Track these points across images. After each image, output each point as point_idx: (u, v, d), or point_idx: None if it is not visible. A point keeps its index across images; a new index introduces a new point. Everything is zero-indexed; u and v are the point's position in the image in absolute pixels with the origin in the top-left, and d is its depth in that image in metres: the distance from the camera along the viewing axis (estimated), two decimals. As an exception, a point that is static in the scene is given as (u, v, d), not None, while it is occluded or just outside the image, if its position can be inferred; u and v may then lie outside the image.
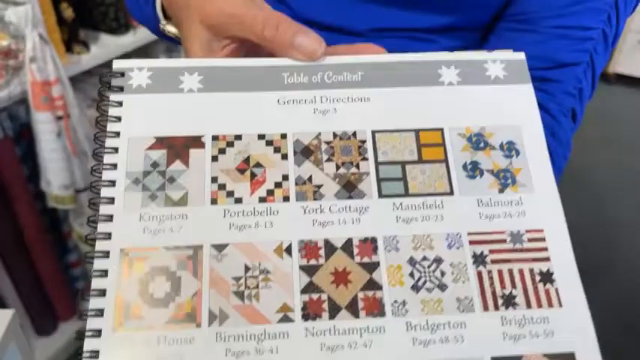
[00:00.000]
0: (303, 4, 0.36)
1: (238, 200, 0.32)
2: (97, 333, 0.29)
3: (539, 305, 0.30)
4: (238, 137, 0.34)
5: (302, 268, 0.31)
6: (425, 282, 0.31)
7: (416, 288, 0.31)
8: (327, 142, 0.34)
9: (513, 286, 0.31)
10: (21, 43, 1.07)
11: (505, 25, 0.44)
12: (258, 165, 0.33)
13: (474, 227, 0.32)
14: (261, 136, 0.34)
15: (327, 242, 0.31)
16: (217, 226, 0.32)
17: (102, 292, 0.30)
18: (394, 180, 0.33)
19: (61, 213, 1.35)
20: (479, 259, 0.31)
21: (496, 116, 0.36)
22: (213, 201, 0.32)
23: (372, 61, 0.37)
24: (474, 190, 0.33)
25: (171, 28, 0.43)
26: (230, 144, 0.34)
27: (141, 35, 1.42)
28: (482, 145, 0.35)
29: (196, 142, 0.34)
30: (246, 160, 0.34)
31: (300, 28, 0.36)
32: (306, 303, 0.30)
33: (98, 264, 0.30)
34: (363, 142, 0.34)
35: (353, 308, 0.30)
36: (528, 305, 0.30)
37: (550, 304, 0.30)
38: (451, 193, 0.33)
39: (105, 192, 0.32)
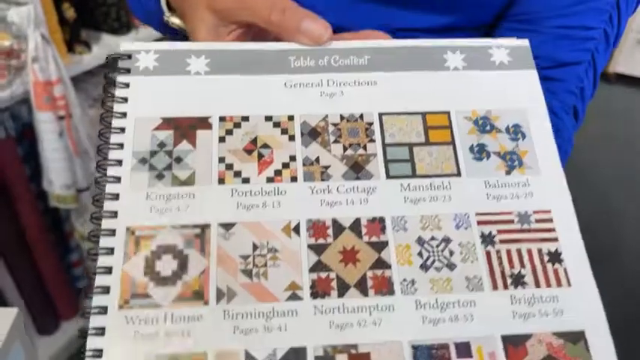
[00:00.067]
0: (304, 4, 0.35)
1: (246, 180, 0.31)
2: (103, 310, 0.28)
3: (548, 285, 0.30)
4: (245, 119, 0.33)
5: (310, 247, 0.30)
6: (434, 261, 0.30)
7: (425, 267, 0.30)
8: (334, 124, 0.34)
9: (522, 265, 0.30)
10: (23, 43, 1.06)
11: (507, 25, 0.43)
12: (265, 146, 0.33)
13: (481, 208, 0.31)
14: (268, 118, 0.33)
15: (335, 222, 0.31)
16: (225, 205, 0.31)
17: (108, 270, 0.29)
18: (401, 161, 0.33)
19: (62, 212, 1.33)
20: (487, 239, 0.31)
21: (501, 100, 0.35)
22: (221, 181, 0.31)
23: (378, 45, 0.36)
24: (481, 172, 0.33)
25: (175, 20, 0.42)
26: (237, 125, 0.33)
27: (142, 35, 1.40)
28: (488, 128, 0.34)
29: (203, 123, 0.33)
30: (254, 141, 0.33)
31: (307, 13, 0.35)
32: (315, 281, 0.29)
33: (104, 242, 0.29)
34: (370, 124, 0.34)
35: (362, 287, 0.29)
36: (537, 285, 0.29)
37: (559, 284, 0.30)
38: (458, 174, 0.32)
39: (111, 171, 0.31)
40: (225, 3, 0.36)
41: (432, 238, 0.30)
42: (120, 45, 0.36)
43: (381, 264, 0.30)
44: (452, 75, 0.35)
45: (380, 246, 0.30)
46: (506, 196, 0.32)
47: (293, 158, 0.32)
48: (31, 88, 1.09)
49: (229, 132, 0.33)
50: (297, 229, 0.30)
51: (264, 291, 0.29)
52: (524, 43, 0.37)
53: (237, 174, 0.32)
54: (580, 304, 0.29)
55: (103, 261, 0.29)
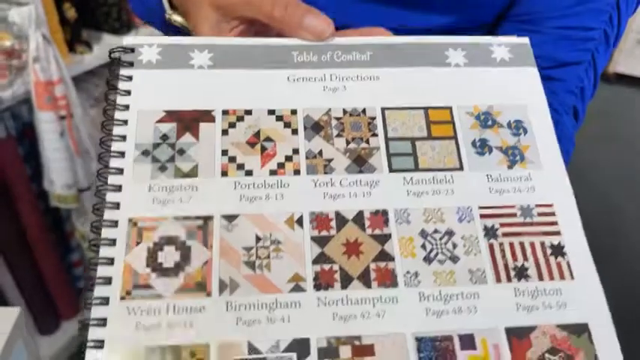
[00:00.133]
0: (306, 3, 0.35)
1: (249, 173, 0.31)
2: (105, 301, 0.27)
3: (552, 277, 0.29)
4: (248, 112, 0.33)
5: (313, 239, 0.29)
6: (437, 254, 0.29)
7: (428, 259, 0.29)
8: (337, 118, 0.33)
9: (525, 258, 0.29)
10: (24, 43, 1.04)
11: (508, 26, 0.43)
12: (268, 139, 0.32)
13: (484, 201, 0.31)
14: (271, 112, 0.33)
15: (338, 214, 0.30)
16: (228, 197, 0.30)
17: (110, 261, 0.28)
18: (404, 155, 0.32)
19: (63, 212, 1.32)
20: (490, 232, 0.30)
21: (503, 96, 0.34)
22: (224, 173, 0.31)
23: (380, 42, 0.36)
24: (484, 166, 0.32)
25: (177, 18, 0.42)
26: (240, 118, 0.33)
27: (143, 35, 1.37)
28: (490, 123, 0.34)
29: (206, 116, 0.32)
30: (257, 135, 0.32)
31: (309, 8, 0.35)
32: (318, 273, 0.28)
33: (106, 233, 0.28)
34: (373, 118, 0.33)
35: (365, 279, 0.28)
36: (540, 277, 0.29)
37: (562, 277, 0.29)
38: (461, 168, 0.32)
39: (114, 163, 0.31)
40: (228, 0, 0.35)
41: (435, 231, 0.30)
42: (123, 39, 0.35)
43: (384, 256, 0.29)
44: (453, 71, 0.35)
45: (383, 238, 0.29)
46: (508, 190, 0.31)
47: (296, 151, 0.32)
48: (33, 88, 1.08)
49: (232, 125, 0.32)
50: (300, 222, 0.30)
51: (267, 282, 0.28)
52: (525, 40, 0.36)
53: (240, 166, 0.31)
54: (583, 297, 0.29)
55: (104, 252, 0.28)
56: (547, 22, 0.41)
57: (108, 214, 0.29)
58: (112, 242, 0.28)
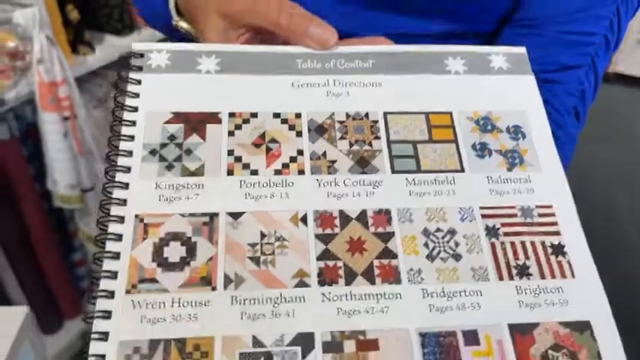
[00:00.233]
0: (310, 11, 0.35)
1: (254, 172, 0.31)
2: (110, 294, 0.26)
3: (553, 276, 0.29)
4: (254, 115, 0.33)
5: (317, 236, 0.29)
6: (439, 252, 0.29)
7: (431, 257, 0.29)
8: (341, 122, 0.33)
9: (526, 257, 0.29)
10: (28, 45, 1.04)
11: (511, 30, 0.43)
12: (273, 140, 0.32)
13: (485, 202, 0.31)
14: (276, 115, 0.33)
15: (341, 213, 0.30)
16: (233, 195, 0.30)
17: (116, 255, 0.27)
18: (406, 157, 0.32)
19: (66, 212, 1.30)
20: (491, 232, 0.30)
21: (501, 102, 0.35)
22: (230, 172, 0.31)
23: (382, 50, 0.36)
24: (484, 168, 0.32)
25: (183, 24, 0.42)
26: (246, 121, 0.33)
27: (145, 36, 1.37)
28: (489, 127, 0.34)
29: (213, 117, 0.33)
30: (262, 136, 0.32)
31: (314, 18, 0.35)
32: (322, 269, 0.28)
33: (113, 228, 0.28)
34: (375, 122, 0.33)
35: (369, 275, 0.28)
36: (542, 276, 0.29)
37: (563, 275, 0.29)
38: (462, 170, 0.32)
39: (121, 161, 0.31)
40: (235, 7, 0.36)
41: (438, 230, 0.30)
42: (132, 44, 0.35)
43: (387, 253, 0.29)
44: (453, 78, 0.35)
45: (386, 236, 0.29)
46: (508, 192, 0.31)
47: (300, 152, 0.32)
48: (37, 89, 1.07)
49: (238, 127, 0.32)
50: (304, 219, 0.29)
51: (271, 277, 0.28)
52: (522, 50, 0.37)
53: (246, 166, 0.31)
54: (584, 295, 0.28)
55: (111, 246, 0.28)
56: (549, 27, 0.42)
57: (115, 210, 0.29)
58: (119, 237, 0.28)
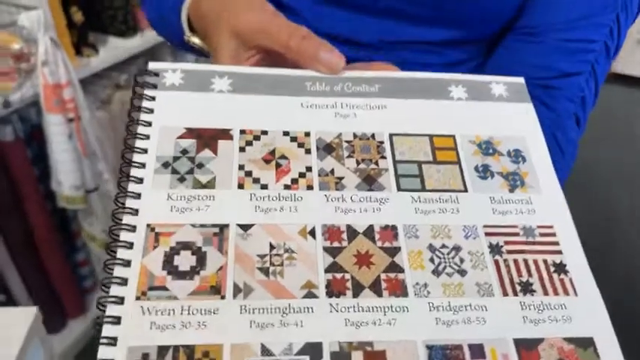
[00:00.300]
0: (319, 18, 0.36)
1: (264, 186, 0.31)
2: (120, 300, 0.26)
3: (556, 293, 0.29)
4: (264, 132, 0.34)
5: (325, 249, 0.29)
6: (445, 267, 0.29)
7: (437, 272, 0.29)
8: (348, 142, 0.34)
9: (529, 274, 0.30)
10: (33, 47, 1.04)
11: (513, 37, 0.44)
12: (283, 157, 0.33)
13: (488, 221, 0.31)
14: (285, 133, 0.34)
15: (349, 227, 0.30)
16: (243, 208, 0.30)
17: (127, 263, 0.28)
18: (411, 176, 0.33)
19: (69, 212, 1.29)
20: (495, 249, 0.30)
21: (502, 128, 0.36)
22: (240, 186, 0.31)
23: (387, 76, 0.37)
24: (487, 189, 0.33)
25: (195, 40, 0.43)
26: (257, 137, 0.33)
27: (148, 38, 1.38)
28: (491, 151, 0.35)
29: (225, 134, 0.33)
30: (272, 152, 0.33)
31: (323, 43, 0.36)
32: (330, 281, 0.28)
33: (124, 236, 0.28)
34: (381, 142, 0.34)
35: (376, 288, 0.28)
36: (545, 293, 0.29)
37: (566, 293, 0.29)
38: (465, 190, 0.33)
39: (134, 172, 0.31)
40: (246, 28, 0.37)
41: (443, 246, 0.30)
42: (149, 64, 0.36)
43: (394, 267, 0.29)
44: (456, 104, 0.37)
45: (393, 251, 0.30)
46: (510, 211, 0.32)
47: (309, 169, 0.32)
48: (41, 90, 1.07)
49: (249, 143, 0.33)
50: (312, 233, 0.30)
51: (280, 288, 0.28)
52: (520, 80, 0.38)
53: (256, 180, 0.32)
54: (587, 312, 0.29)
55: (122, 254, 0.28)
56: (550, 35, 0.43)
57: (127, 219, 0.29)
58: (130, 245, 0.28)
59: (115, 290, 0.27)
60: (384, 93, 0.36)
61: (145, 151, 0.32)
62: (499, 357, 0.27)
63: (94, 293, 1.48)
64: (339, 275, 0.28)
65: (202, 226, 0.29)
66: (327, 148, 0.34)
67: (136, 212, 0.29)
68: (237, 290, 0.27)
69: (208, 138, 0.33)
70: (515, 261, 0.30)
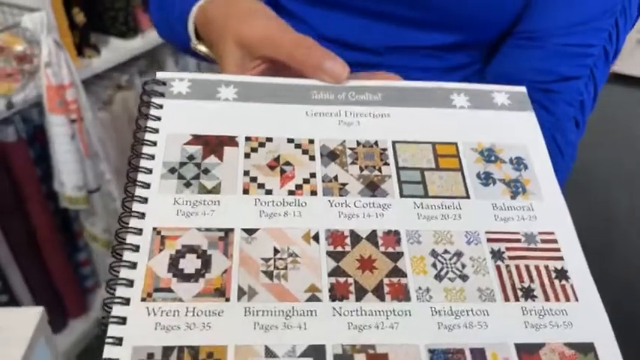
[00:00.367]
0: (324, 24, 0.37)
1: (269, 192, 0.32)
2: (126, 301, 0.27)
3: (557, 299, 0.29)
4: (269, 139, 0.34)
5: (329, 253, 0.30)
6: (447, 272, 0.30)
7: (439, 277, 0.29)
8: (351, 149, 0.34)
9: (531, 280, 0.30)
10: (36, 48, 1.04)
11: (513, 42, 0.45)
12: (287, 163, 0.33)
13: (490, 227, 0.32)
14: (290, 140, 0.34)
15: (352, 232, 0.31)
16: (248, 212, 0.31)
17: (133, 265, 0.28)
18: (414, 183, 0.33)
19: (71, 213, 1.30)
20: (497, 255, 0.31)
21: (504, 136, 0.36)
22: (245, 191, 0.32)
23: (390, 85, 0.38)
24: (489, 196, 0.33)
25: (202, 48, 0.44)
26: (262, 144, 0.34)
27: (149, 39, 1.39)
28: (493, 158, 0.35)
29: (230, 141, 0.34)
30: (277, 159, 0.33)
31: (328, 52, 0.37)
32: (334, 285, 0.28)
33: (130, 239, 0.29)
34: (385, 150, 0.35)
35: (379, 292, 0.28)
36: (546, 298, 0.29)
37: (567, 299, 0.29)
38: (467, 197, 0.33)
39: (141, 177, 0.31)
40: (252, 38, 0.38)
41: (445, 252, 0.30)
42: (157, 73, 0.37)
43: (397, 272, 0.29)
44: (458, 112, 0.37)
45: (396, 256, 0.30)
46: (512, 218, 0.32)
47: (313, 175, 0.33)
48: (44, 92, 1.08)
49: (254, 150, 0.34)
50: (316, 237, 0.30)
51: (284, 291, 0.28)
52: (522, 89, 0.39)
53: (261, 186, 0.32)
54: (588, 318, 0.29)
55: (128, 256, 0.28)
56: (550, 39, 0.43)
57: (133, 223, 0.29)
58: (136, 248, 0.28)
59: (121, 291, 0.27)
60: (387, 101, 0.37)
61: (152, 156, 0.32)
62: (501, 361, 0.27)
63: (96, 293, 1.48)
64: (342, 279, 0.29)
65: (208, 230, 0.30)
66: (330, 155, 0.34)
67: (142, 216, 0.30)
68: (241, 293, 0.28)
69: (214, 144, 0.33)
70: (517, 267, 0.30)
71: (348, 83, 0.37)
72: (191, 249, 0.29)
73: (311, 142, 0.34)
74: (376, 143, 0.35)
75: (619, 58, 0.44)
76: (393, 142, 0.35)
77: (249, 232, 0.30)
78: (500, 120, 0.37)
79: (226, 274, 0.28)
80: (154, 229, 0.29)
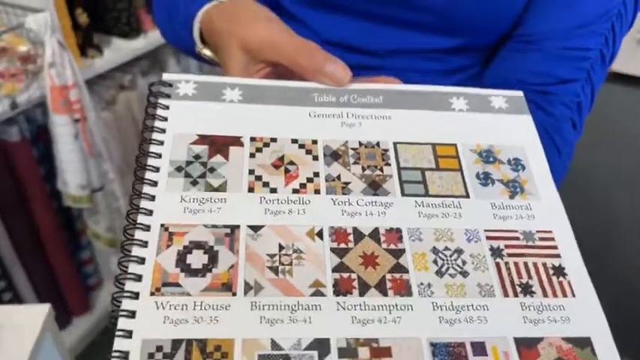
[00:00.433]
0: (327, 28, 0.38)
1: (273, 190, 0.32)
2: (135, 295, 0.27)
3: (555, 295, 0.30)
4: (274, 140, 0.35)
5: (332, 250, 0.30)
6: (448, 268, 0.30)
7: (440, 273, 0.30)
8: (354, 149, 0.35)
9: (529, 276, 0.30)
10: (39, 49, 1.05)
11: (511, 45, 0.46)
12: (291, 163, 0.34)
13: (489, 225, 0.32)
14: (294, 140, 0.35)
15: (355, 229, 0.31)
16: (254, 210, 0.31)
17: (141, 260, 0.28)
18: (415, 182, 0.34)
19: (74, 211, 1.30)
20: (496, 252, 0.31)
21: (502, 138, 0.37)
22: (250, 189, 0.32)
23: (391, 88, 0.39)
24: (488, 195, 0.34)
25: (207, 52, 0.45)
26: (266, 144, 0.35)
27: (152, 39, 1.39)
28: (491, 159, 0.36)
29: (236, 141, 0.34)
30: (281, 159, 0.34)
31: (330, 56, 0.38)
32: (337, 280, 0.29)
33: (139, 235, 0.29)
34: (386, 150, 0.35)
35: (381, 287, 0.29)
36: (544, 294, 0.30)
37: (564, 295, 0.30)
38: (467, 196, 0.34)
39: (149, 176, 0.32)
40: (255, 43, 0.38)
41: (446, 249, 0.31)
42: (163, 75, 0.38)
43: (399, 268, 0.30)
44: (457, 115, 0.38)
45: (398, 253, 0.30)
46: (511, 217, 0.33)
47: (316, 174, 0.33)
48: (48, 92, 1.08)
49: (259, 150, 0.34)
50: (320, 234, 0.31)
51: (289, 286, 0.28)
52: (519, 94, 0.40)
53: (266, 184, 0.33)
54: (585, 313, 0.29)
55: (136, 252, 0.29)
56: (548, 43, 0.44)
57: (141, 219, 0.30)
58: (144, 244, 0.29)
59: (130, 286, 0.27)
60: (389, 104, 0.38)
61: (159, 155, 0.33)
62: (500, 355, 0.27)
63: (98, 291, 1.48)
64: (345, 275, 0.29)
65: (214, 226, 0.30)
66: (333, 155, 0.35)
67: (150, 213, 0.30)
68: (247, 287, 0.28)
69: (220, 144, 0.34)
70: (516, 264, 0.31)
71: (350, 86, 0.38)
72: (198, 245, 0.29)
73: (314, 142, 0.35)
74: (378, 144, 0.36)
75: (619, 58, 0.45)
76: (395, 143, 0.36)
77: (255, 228, 0.30)
78: (498, 123, 0.38)
79: (233, 269, 0.29)
80: (162, 225, 0.30)
